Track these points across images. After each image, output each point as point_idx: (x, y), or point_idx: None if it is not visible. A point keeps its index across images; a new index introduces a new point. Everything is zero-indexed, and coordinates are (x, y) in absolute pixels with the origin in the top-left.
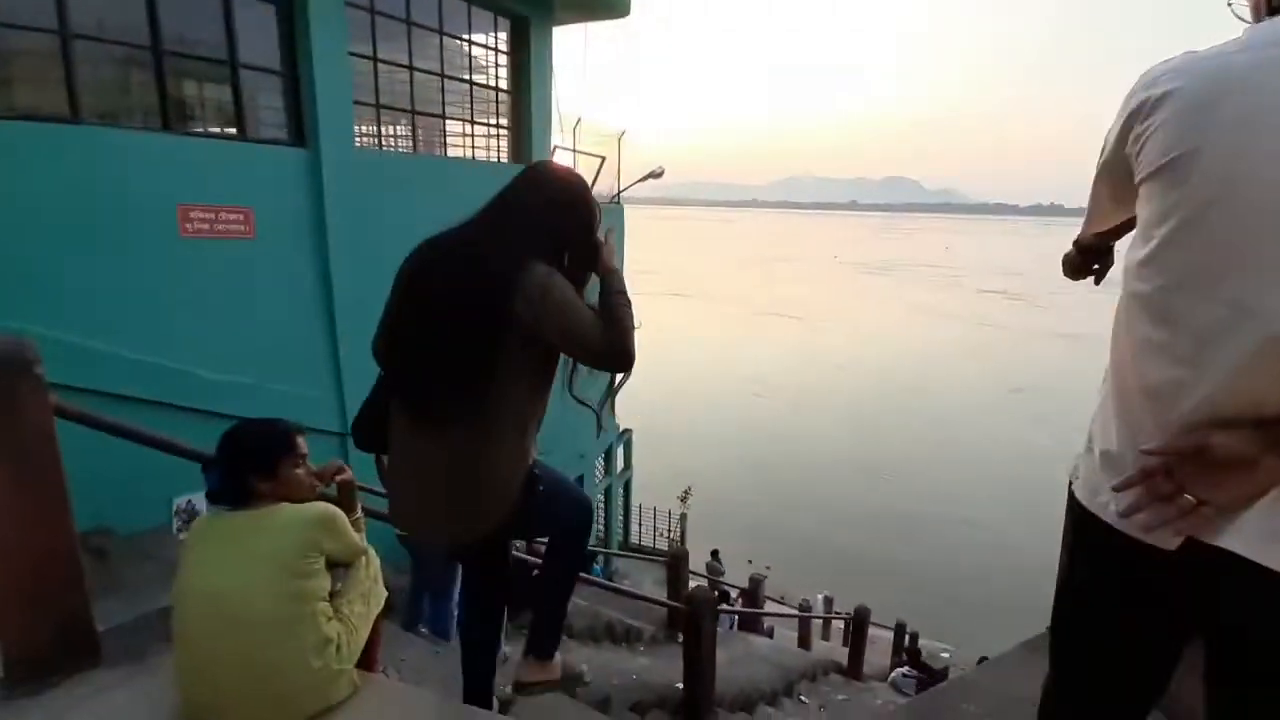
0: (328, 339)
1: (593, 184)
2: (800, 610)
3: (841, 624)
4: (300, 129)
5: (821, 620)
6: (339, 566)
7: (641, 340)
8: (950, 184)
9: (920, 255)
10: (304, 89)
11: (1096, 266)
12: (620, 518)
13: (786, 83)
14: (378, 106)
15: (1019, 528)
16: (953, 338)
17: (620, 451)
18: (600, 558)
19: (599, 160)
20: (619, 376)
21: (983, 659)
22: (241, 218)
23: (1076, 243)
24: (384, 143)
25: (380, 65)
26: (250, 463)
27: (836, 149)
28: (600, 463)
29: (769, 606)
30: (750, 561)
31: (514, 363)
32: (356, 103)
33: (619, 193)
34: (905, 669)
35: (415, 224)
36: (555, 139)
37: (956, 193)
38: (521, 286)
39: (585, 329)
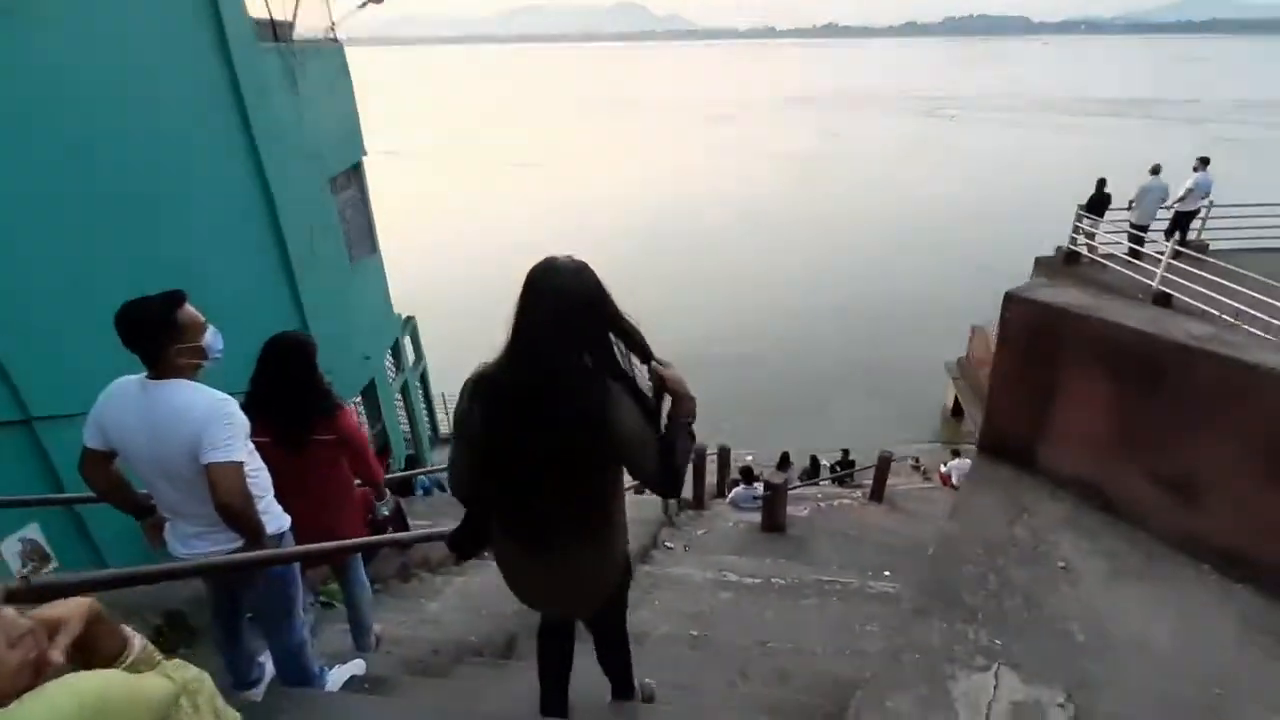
0: None
1: (294, 14)
2: None
3: None
4: None
5: None
6: None
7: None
8: (676, 8)
9: (657, 89)
10: None
11: None
12: (425, 414)
13: None
14: None
15: (770, 342)
16: (694, 166)
17: (407, 342)
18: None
19: None
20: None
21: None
22: None
23: None
24: None
25: None
26: None
27: None
28: (390, 360)
29: None
30: None
31: (612, 481)
32: None
33: (333, 25)
34: (743, 487)
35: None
36: None
37: (683, 18)
38: (610, 417)
39: (649, 456)
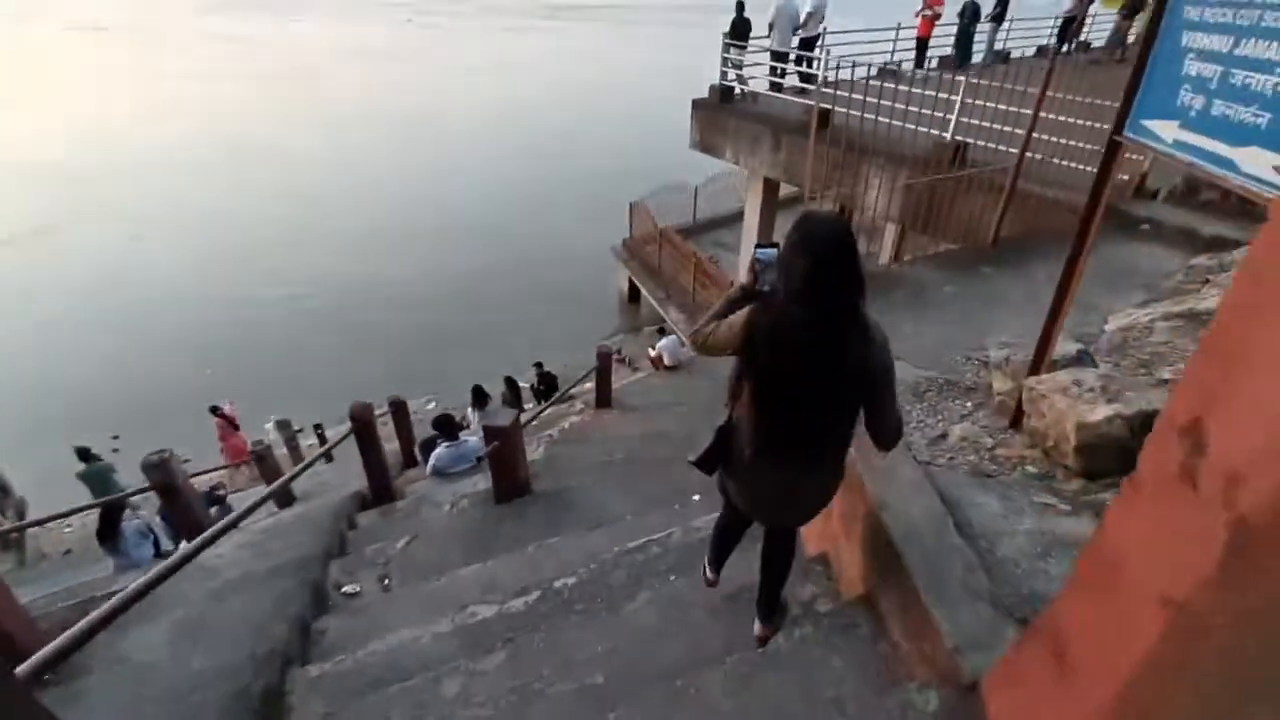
0: None
1: None
2: (258, 453)
3: (317, 440)
4: None
5: (285, 448)
6: None
7: None
8: None
9: None
10: None
11: None
12: None
13: None
14: None
15: (420, 277)
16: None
17: None
18: None
19: None
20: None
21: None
22: None
23: None
24: None
25: None
26: None
27: None
28: None
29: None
30: (115, 437)
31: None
32: None
33: None
34: (444, 445)
35: None
36: None
37: None
38: (870, 367)
39: (895, 402)
